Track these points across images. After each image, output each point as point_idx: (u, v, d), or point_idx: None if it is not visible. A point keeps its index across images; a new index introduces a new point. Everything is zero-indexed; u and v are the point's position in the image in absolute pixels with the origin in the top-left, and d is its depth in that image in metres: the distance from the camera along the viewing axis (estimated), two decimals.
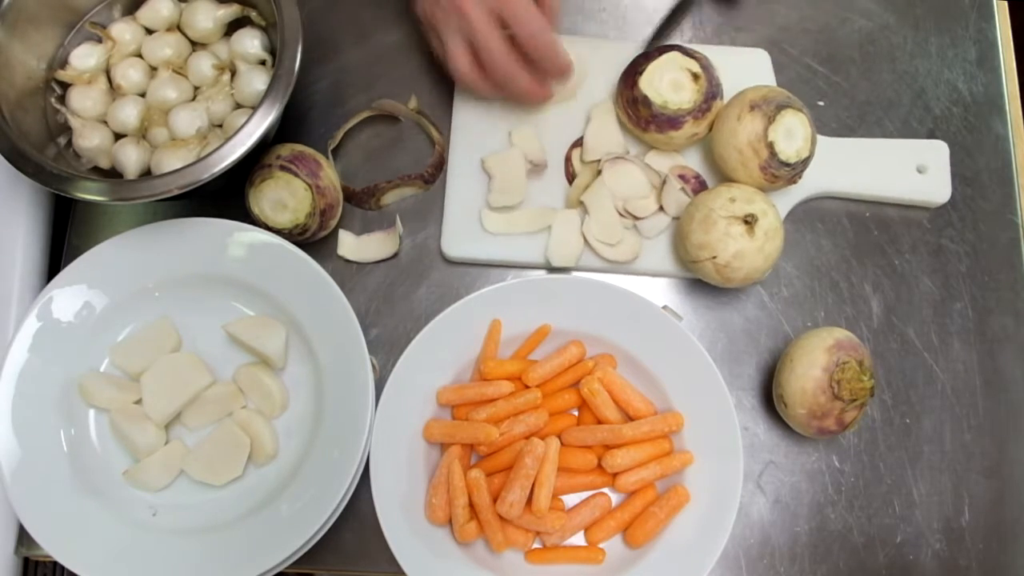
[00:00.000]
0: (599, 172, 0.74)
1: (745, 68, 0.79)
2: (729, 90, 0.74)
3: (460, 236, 0.75)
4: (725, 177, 0.74)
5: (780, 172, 0.70)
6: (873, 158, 0.78)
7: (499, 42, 0.67)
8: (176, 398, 0.68)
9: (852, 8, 0.85)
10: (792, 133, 0.70)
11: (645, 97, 0.72)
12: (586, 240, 0.74)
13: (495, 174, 0.75)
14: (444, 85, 0.80)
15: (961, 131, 0.81)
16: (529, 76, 0.70)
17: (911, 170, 0.78)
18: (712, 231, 0.67)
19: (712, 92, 0.72)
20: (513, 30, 0.67)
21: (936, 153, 0.78)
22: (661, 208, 0.75)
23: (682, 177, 0.75)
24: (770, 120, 0.69)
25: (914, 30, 0.84)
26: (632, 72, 0.73)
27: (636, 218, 0.74)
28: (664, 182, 0.74)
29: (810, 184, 0.76)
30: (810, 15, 0.85)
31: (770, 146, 0.69)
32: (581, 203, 0.75)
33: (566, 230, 0.74)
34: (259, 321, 0.70)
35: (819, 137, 0.76)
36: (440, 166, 0.77)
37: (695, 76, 0.72)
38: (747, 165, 0.70)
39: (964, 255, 0.78)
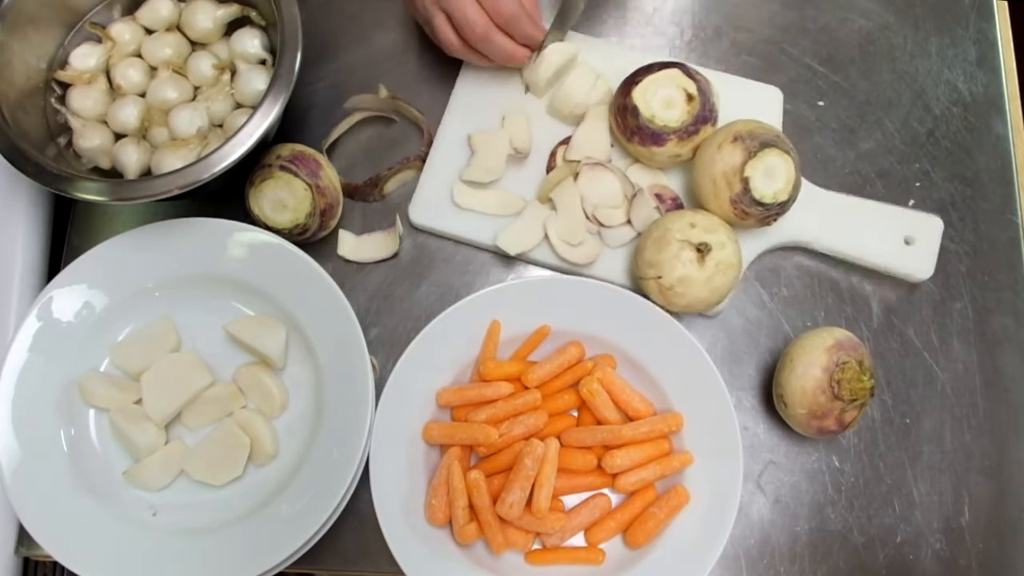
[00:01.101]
0: (576, 175, 0.74)
1: (753, 102, 0.78)
2: (731, 120, 0.72)
3: (429, 205, 0.75)
4: (699, 204, 0.72)
5: (751, 210, 0.68)
6: (861, 219, 0.76)
7: (472, 10, 0.68)
8: (176, 398, 0.68)
9: (852, 8, 0.85)
10: (773, 173, 0.68)
11: (635, 107, 0.71)
12: (547, 236, 0.73)
13: (478, 151, 0.75)
14: (441, 81, 0.80)
15: (961, 131, 0.81)
16: (504, 37, 0.71)
17: (898, 240, 0.75)
18: (664, 251, 0.67)
19: (703, 116, 0.71)
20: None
21: (928, 227, 0.76)
22: (629, 221, 0.74)
23: (659, 196, 0.74)
24: (750, 155, 0.67)
25: (914, 30, 0.84)
26: (630, 81, 0.73)
27: (602, 225, 0.74)
28: (635, 195, 0.74)
29: (787, 230, 0.75)
30: (810, 15, 0.85)
31: (744, 181, 0.67)
32: (550, 199, 0.74)
33: (530, 220, 0.74)
34: (259, 321, 0.70)
35: (809, 187, 0.75)
36: (431, 143, 0.78)
37: (689, 97, 0.71)
38: (719, 196, 0.69)
39: (964, 255, 0.78)
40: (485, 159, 0.75)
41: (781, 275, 0.77)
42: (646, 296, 0.70)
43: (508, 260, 0.76)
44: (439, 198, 0.75)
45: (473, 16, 0.68)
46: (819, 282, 0.77)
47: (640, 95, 0.71)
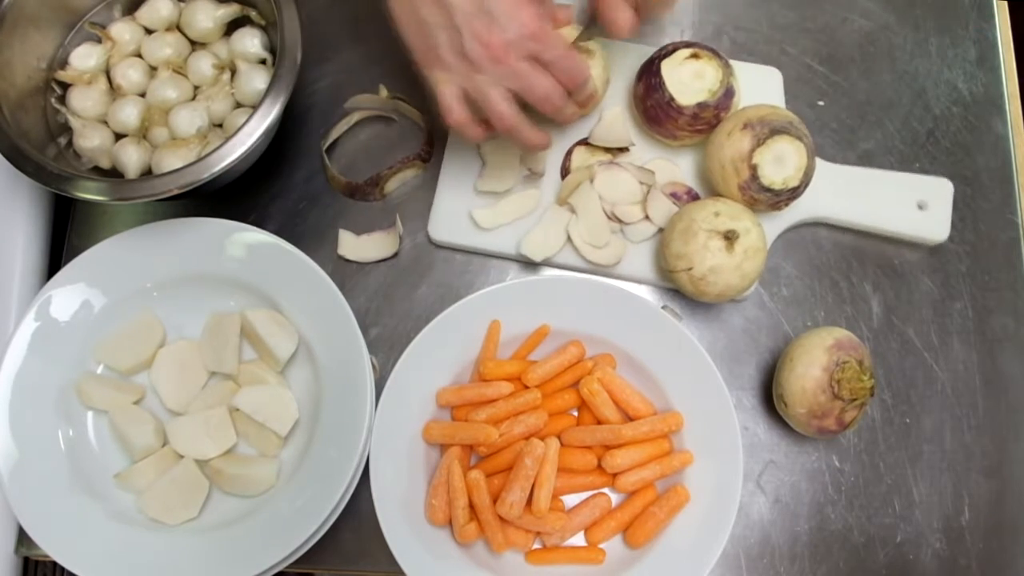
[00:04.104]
0: (592, 177, 0.74)
1: (755, 85, 0.78)
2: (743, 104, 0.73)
3: (448, 221, 0.75)
4: (711, 189, 0.73)
5: (759, 196, 0.69)
6: (873, 189, 0.77)
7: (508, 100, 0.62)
8: (187, 386, 0.68)
9: (852, 8, 0.85)
10: (783, 160, 0.68)
11: (680, 107, 0.71)
12: (571, 240, 0.73)
13: (488, 160, 0.75)
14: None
15: (961, 131, 0.81)
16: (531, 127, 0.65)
17: (911, 205, 0.76)
18: (691, 243, 0.67)
19: (727, 68, 0.73)
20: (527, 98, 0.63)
21: (939, 190, 0.77)
22: (647, 216, 0.74)
23: (674, 195, 0.75)
24: (759, 142, 0.68)
25: (914, 30, 0.84)
26: (657, 87, 0.72)
27: (622, 222, 0.74)
28: (648, 192, 0.74)
29: (804, 209, 0.75)
30: (810, 15, 0.85)
31: (753, 168, 0.68)
32: (568, 203, 0.75)
33: (551, 225, 0.74)
34: (277, 319, 0.69)
35: (820, 163, 0.75)
36: (431, 142, 0.78)
37: (714, 58, 0.73)
38: (727, 181, 0.70)
39: (964, 255, 0.78)
40: (497, 168, 0.75)
41: (781, 275, 0.77)
42: (676, 288, 0.70)
43: (508, 260, 0.76)
44: (456, 213, 0.75)
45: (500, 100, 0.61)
46: (819, 282, 0.77)
47: (679, 91, 0.71)
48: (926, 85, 0.83)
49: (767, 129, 0.68)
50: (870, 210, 0.76)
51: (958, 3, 0.86)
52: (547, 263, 0.74)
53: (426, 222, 0.76)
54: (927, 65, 0.83)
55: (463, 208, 0.75)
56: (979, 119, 0.82)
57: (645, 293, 0.76)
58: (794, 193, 0.70)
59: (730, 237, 0.66)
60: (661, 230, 0.74)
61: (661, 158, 0.77)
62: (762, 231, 0.68)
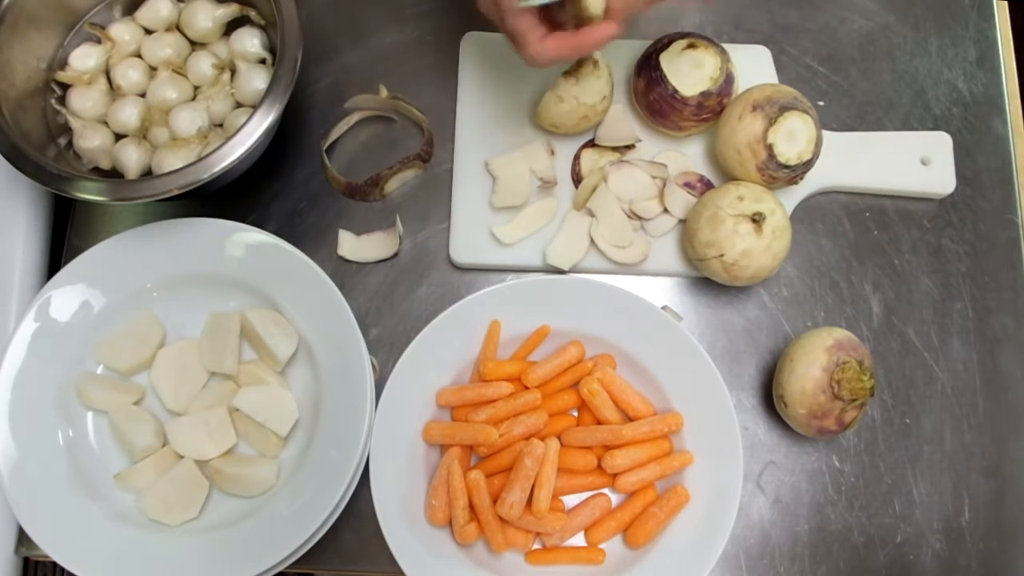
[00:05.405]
0: (605, 178, 0.74)
1: (746, 65, 0.78)
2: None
3: (468, 242, 0.75)
4: (726, 174, 0.74)
5: (778, 174, 0.70)
6: (877, 151, 0.78)
7: None
8: (189, 384, 0.68)
9: (852, 8, 0.85)
10: (794, 135, 0.70)
11: (683, 97, 0.71)
12: (595, 243, 0.74)
13: (499, 175, 0.75)
14: (441, 81, 0.80)
15: (961, 131, 0.81)
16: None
17: (915, 162, 0.78)
18: (720, 229, 0.67)
19: (725, 55, 0.73)
20: None
21: (939, 144, 0.78)
22: (666, 210, 0.75)
23: (688, 185, 0.75)
24: (771, 122, 0.69)
25: (914, 30, 0.84)
26: (658, 82, 0.72)
27: (641, 219, 0.74)
28: (664, 186, 0.74)
29: (816, 180, 0.76)
30: (810, 15, 0.85)
31: (769, 148, 0.69)
32: (586, 207, 0.75)
33: (573, 232, 0.74)
34: (279, 320, 0.69)
35: (827, 134, 0.76)
36: (431, 142, 0.78)
37: (708, 47, 0.73)
38: (745, 165, 0.70)
39: (964, 255, 0.78)
40: (509, 182, 0.75)
41: (781, 275, 0.77)
42: (708, 277, 0.71)
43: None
44: (476, 232, 0.75)
45: None
46: (819, 282, 0.77)
47: (680, 82, 0.72)
48: (926, 85, 0.83)
49: (776, 108, 0.69)
50: (877, 172, 0.78)
51: (958, 3, 0.85)
52: (574, 270, 0.74)
53: (426, 223, 0.77)
54: (927, 65, 0.83)
55: (482, 227, 0.75)
56: (979, 119, 0.82)
57: (665, 286, 0.76)
58: (808, 165, 0.71)
59: (757, 219, 0.67)
60: (681, 221, 0.74)
61: (669, 150, 0.77)
62: (784, 209, 0.69)
